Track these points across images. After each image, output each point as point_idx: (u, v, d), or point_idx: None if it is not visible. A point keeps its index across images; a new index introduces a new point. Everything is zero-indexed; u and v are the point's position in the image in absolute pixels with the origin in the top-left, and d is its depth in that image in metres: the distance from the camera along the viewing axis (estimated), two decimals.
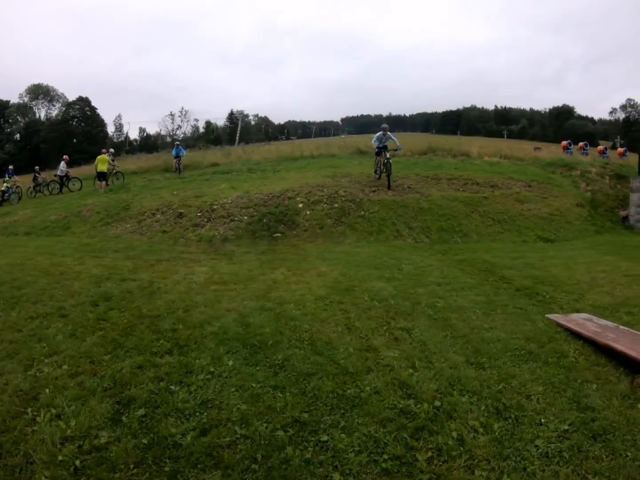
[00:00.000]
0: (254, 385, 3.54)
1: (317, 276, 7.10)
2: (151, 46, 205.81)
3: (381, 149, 14.76)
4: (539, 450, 2.96)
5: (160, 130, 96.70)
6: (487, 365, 4.13)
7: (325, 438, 2.92)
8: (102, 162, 19.06)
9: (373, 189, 13.64)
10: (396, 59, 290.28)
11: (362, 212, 12.21)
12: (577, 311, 6.07)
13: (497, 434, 3.09)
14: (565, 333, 5.09)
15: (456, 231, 12.23)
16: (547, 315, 5.67)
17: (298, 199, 12.54)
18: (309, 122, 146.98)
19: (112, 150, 26.09)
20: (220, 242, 10.45)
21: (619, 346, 4.52)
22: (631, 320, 5.91)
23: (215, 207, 12.23)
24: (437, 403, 3.39)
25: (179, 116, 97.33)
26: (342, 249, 9.92)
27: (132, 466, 2.61)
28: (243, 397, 3.37)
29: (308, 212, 11.92)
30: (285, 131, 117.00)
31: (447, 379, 3.79)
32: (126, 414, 3.10)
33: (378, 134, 15.16)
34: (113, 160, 21.22)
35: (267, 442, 2.84)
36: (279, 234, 10.94)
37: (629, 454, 2.99)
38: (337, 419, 3.14)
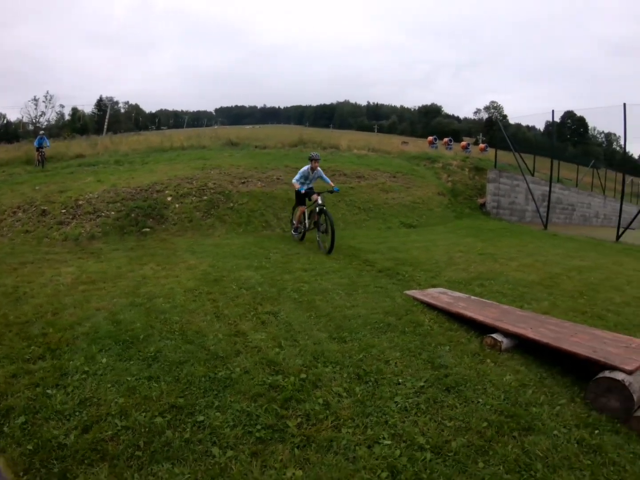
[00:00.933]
0: (129, 378, 3.56)
1: (186, 269, 7.12)
2: (14, 17, 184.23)
3: (307, 192, 10.02)
4: (398, 405, 3.32)
5: (23, 117, 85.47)
6: (348, 339, 4.47)
7: (201, 418, 3.06)
8: None
9: (242, 181, 13.66)
10: (274, 51, 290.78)
11: (231, 204, 12.28)
12: (434, 286, 6.67)
13: (359, 396, 3.41)
14: (421, 306, 5.58)
15: None
16: (406, 292, 6.16)
17: (167, 192, 12.28)
18: (182, 111, 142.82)
19: None
20: (87, 240, 9.94)
21: (468, 313, 5.10)
22: (482, 291, 6.66)
23: (80, 202, 11.54)
24: (303, 375, 3.66)
25: (44, 101, 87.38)
26: (212, 242, 9.94)
27: (21, 473, 2.58)
28: (120, 391, 3.39)
29: (177, 206, 11.75)
30: (157, 120, 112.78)
31: (311, 354, 4.07)
32: (7, 424, 2.99)
33: (304, 168, 10.16)
34: None
35: (147, 429, 2.92)
36: (147, 229, 10.67)
37: (480, 400, 3.46)
38: (211, 399, 3.29)
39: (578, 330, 4.71)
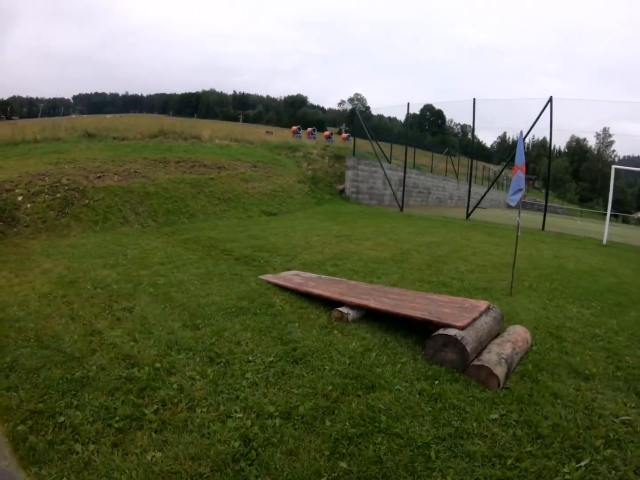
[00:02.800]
0: None
1: (41, 274, 6.81)
2: None
3: None
4: (249, 381, 3.55)
5: None
6: (202, 325, 4.63)
7: (62, 419, 3.07)
8: None
9: (98, 175, 12.98)
10: (139, 33, 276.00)
11: (87, 201, 11.62)
12: (288, 270, 6.93)
13: (211, 377, 3.59)
14: (275, 289, 5.86)
15: (183, 212, 12.67)
16: (260, 277, 6.38)
17: (17, 190, 11.24)
18: (37, 98, 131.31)
19: None
20: None
21: (317, 290, 5.46)
22: (335, 270, 7.05)
23: None
24: (158, 365, 3.77)
25: None
26: (68, 242, 9.45)
27: None
28: None
29: (29, 205, 10.84)
30: (8, 109, 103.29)
31: (165, 343, 4.18)
32: None
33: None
34: None
35: (11, 438, 2.90)
36: None
37: (326, 367, 3.80)
38: (70, 400, 3.30)
39: (417, 297, 5.23)
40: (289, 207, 15.62)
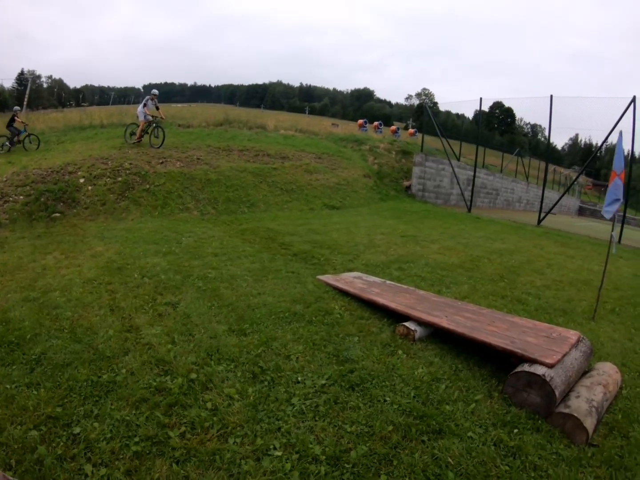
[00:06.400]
0: (8, 386, 3.19)
1: (90, 257, 6.62)
2: None
3: None
4: (295, 408, 3.07)
5: None
6: (249, 331, 4.22)
7: (77, 430, 2.75)
8: None
9: (160, 161, 12.96)
10: (226, 24, 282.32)
11: (148, 186, 11.55)
12: (350, 270, 6.50)
13: (252, 398, 3.15)
14: (334, 292, 5.41)
15: (244, 201, 12.40)
16: (318, 277, 5.97)
17: (80, 173, 11.31)
18: (108, 87, 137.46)
19: None
20: None
21: (380, 300, 4.93)
22: (400, 274, 6.57)
23: None
24: (193, 375, 3.38)
25: None
26: (124, 226, 9.32)
27: None
28: None
29: (90, 188, 10.83)
30: (81, 96, 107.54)
31: (205, 350, 3.80)
32: None
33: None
34: None
35: (20, 445, 2.60)
36: (58, 214, 9.78)
37: (387, 398, 3.24)
38: (91, 407, 2.98)
39: (496, 318, 4.60)
40: (353, 202, 15.13)
